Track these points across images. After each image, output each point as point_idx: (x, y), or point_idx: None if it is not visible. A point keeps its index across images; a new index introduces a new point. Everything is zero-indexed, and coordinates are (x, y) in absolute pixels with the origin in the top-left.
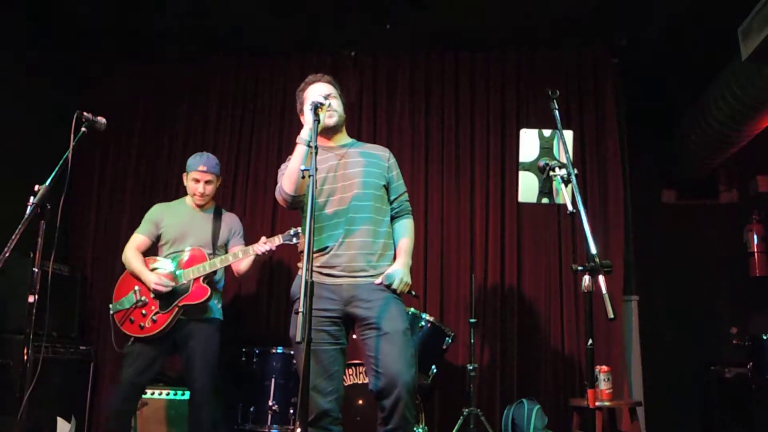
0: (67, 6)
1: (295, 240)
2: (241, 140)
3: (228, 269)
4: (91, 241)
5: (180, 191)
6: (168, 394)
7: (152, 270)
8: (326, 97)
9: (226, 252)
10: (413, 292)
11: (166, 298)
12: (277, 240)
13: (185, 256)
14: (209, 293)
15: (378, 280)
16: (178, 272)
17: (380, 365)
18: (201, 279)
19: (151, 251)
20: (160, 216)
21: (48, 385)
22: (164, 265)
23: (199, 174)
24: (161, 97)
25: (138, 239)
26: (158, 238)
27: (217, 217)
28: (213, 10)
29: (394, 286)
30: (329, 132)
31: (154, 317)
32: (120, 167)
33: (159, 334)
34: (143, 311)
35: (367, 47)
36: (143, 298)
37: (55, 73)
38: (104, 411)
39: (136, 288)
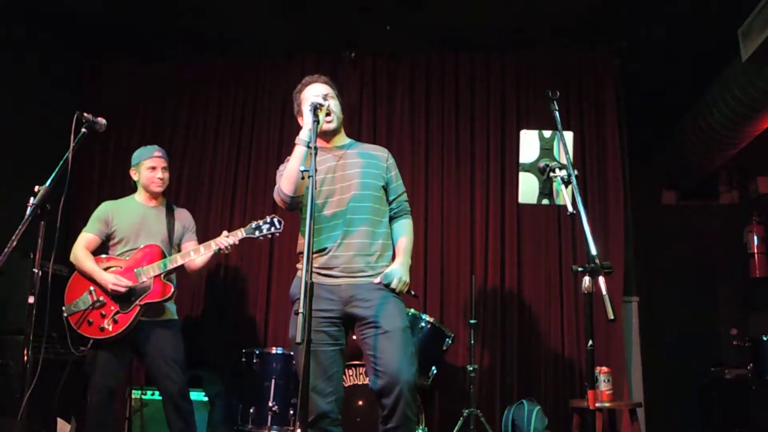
0: (67, 6)
1: (257, 233)
2: (241, 140)
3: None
4: None
5: (180, 191)
6: None
7: (106, 270)
8: (324, 98)
9: (179, 249)
10: (413, 292)
11: (126, 298)
12: (240, 233)
13: (140, 254)
14: (173, 290)
15: (377, 280)
16: (136, 270)
17: (380, 364)
18: (162, 276)
19: (100, 250)
20: (111, 214)
21: (48, 385)
22: (119, 263)
23: (156, 161)
24: (161, 98)
25: (87, 237)
26: (108, 237)
27: (170, 213)
28: (213, 10)
29: (393, 285)
30: (328, 134)
31: (115, 317)
32: (120, 168)
33: (121, 335)
34: (102, 312)
35: (367, 48)
36: (101, 299)
37: (55, 73)
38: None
39: (91, 288)
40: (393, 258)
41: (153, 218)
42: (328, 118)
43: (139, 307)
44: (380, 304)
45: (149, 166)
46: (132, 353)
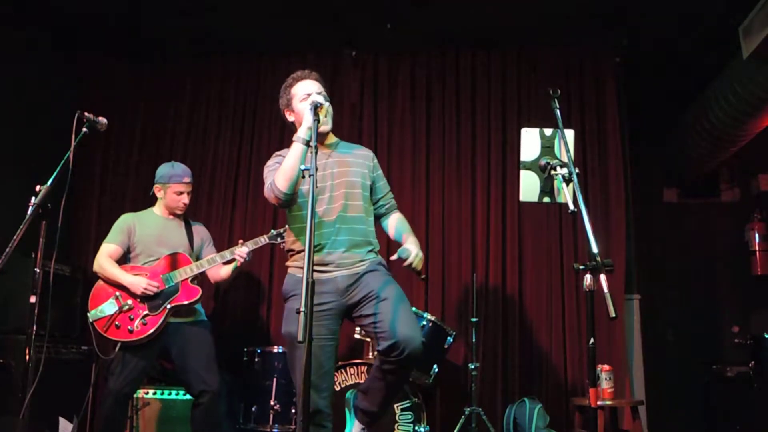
0: (67, 6)
1: (279, 239)
2: (242, 140)
3: (205, 279)
4: (92, 241)
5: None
6: (169, 394)
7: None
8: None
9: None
10: (422, 275)
11: (155, 301)
12: (263, 240)
13: (165, 261)
14: (200, 293)
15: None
16: (163, 276)
17: (383, 326)
18: (189, 280)
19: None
20: (132, 225)
21: (50, 385)
22: (144, 271)
23: (184, 186)
24: (162, 97)
25: (110, 248)
26: (129, 248)
27: (188, 226)
28: (213, 10)
29: (411, 259)
30: (322, 135)
31: (143, 320)
32: (121, 167)
33: (149, 337)
34: (130, 315)
35: (368, 46)
36: (128, 302)
37: (56, 72)
38: (96, 420)
39: (117, 294)
40: (378, 252)
41: (173, 230)
42: (326, 120)
43: (167, 309)
44: (377, 280)
45: (177, 191)
46: (159, 360)
